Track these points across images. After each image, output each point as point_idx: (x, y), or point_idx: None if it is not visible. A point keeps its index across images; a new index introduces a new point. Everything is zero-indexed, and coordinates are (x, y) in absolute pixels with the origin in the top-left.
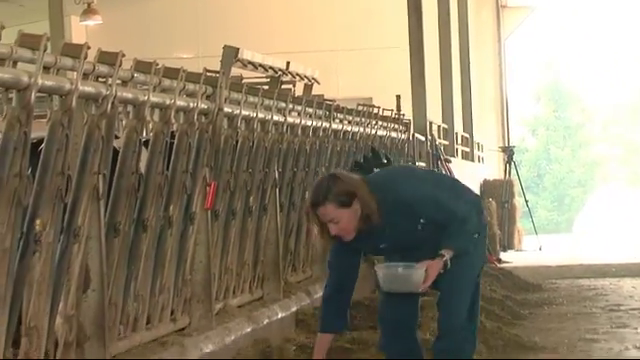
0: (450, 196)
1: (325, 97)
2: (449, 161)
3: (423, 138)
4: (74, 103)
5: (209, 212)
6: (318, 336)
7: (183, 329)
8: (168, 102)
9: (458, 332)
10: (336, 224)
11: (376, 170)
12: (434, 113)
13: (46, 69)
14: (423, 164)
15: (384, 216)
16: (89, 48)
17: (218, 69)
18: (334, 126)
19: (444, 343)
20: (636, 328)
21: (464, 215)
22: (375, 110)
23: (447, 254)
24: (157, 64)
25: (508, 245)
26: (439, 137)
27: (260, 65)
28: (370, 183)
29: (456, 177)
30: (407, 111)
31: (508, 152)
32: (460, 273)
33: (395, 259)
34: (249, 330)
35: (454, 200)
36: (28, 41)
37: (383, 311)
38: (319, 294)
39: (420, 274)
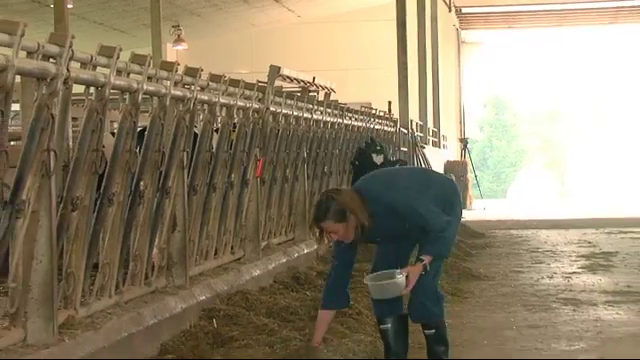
0: (430, 209)
1: (339, 102)
2: (423, 147)
3: (406, 131)
4: (168, 103)
5: (258, 179)
6: (320, 313)
7: (239, 259)
8: (232, 103)
9: (434, 312)
10: (336, 234)
11: (373, 155)
12: (414, 114)
13: (149, 79)
14: (405, 149)
15: (377, 220)
16: (178, 65)
17: (266, 81)
18: (345, 122)
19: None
20: (549, 264)
21: (442, 227)
22: (373, 111)
23: (426, 259)
24: (225, 77)
25: (462, 206)
26: (417, 130)
27: (295, 79)
28: (363, 194)
29: (429, 159)
30: (395, 112)
31: (464, 142)
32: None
33: (387, 245)
34: (284, 261)
35: (435, 214)
36: (138, 59)
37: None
38: None
39: (402, 281)
